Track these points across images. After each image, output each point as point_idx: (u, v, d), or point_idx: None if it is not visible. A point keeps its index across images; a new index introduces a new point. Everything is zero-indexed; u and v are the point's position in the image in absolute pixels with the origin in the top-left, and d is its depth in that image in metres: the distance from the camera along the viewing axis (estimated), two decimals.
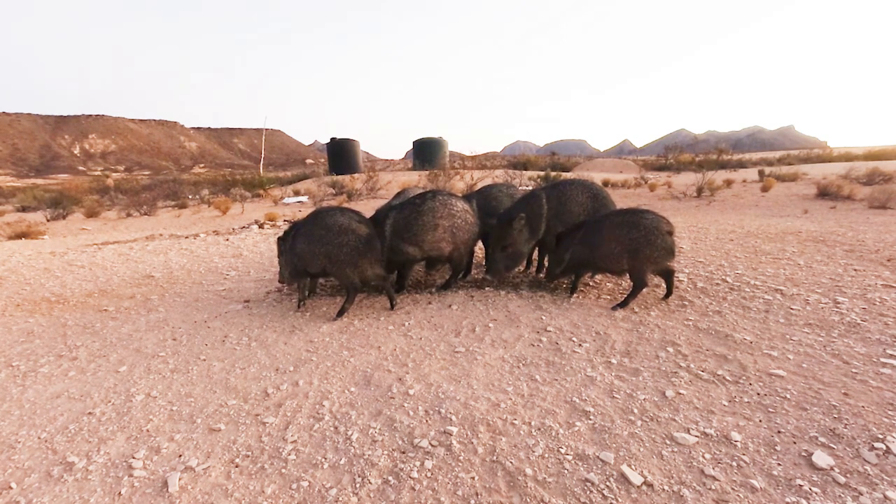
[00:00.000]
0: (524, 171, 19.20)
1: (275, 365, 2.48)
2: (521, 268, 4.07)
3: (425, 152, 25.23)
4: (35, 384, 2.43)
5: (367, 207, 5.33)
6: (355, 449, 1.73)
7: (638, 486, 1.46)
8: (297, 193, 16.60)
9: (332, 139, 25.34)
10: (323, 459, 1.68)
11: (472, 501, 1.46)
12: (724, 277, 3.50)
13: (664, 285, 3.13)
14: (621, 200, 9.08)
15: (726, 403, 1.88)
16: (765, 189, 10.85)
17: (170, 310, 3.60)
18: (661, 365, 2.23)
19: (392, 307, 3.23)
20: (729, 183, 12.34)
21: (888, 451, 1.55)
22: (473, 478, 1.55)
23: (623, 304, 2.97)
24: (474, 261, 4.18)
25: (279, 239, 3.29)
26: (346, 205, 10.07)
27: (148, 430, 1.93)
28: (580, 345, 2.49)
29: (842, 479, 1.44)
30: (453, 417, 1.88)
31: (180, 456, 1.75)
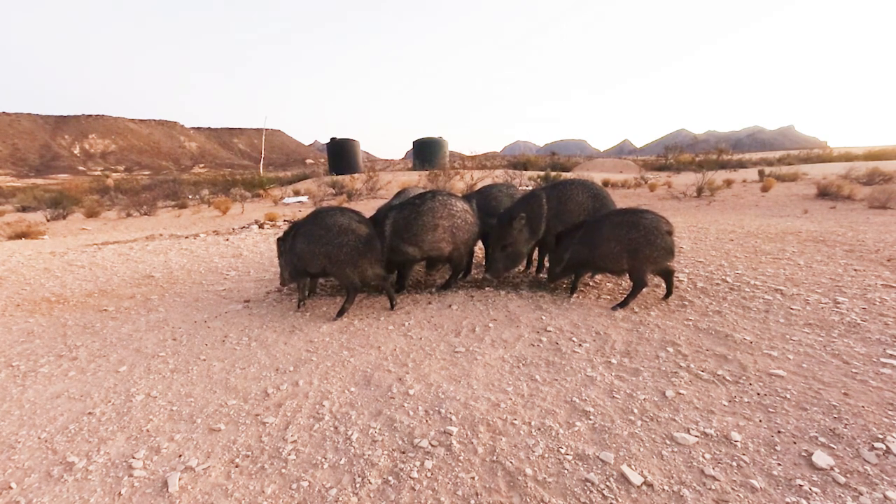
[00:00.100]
0: (524, 171, 19.21)
1: (275, 365, 2.48)
2: (521, 268, 4.07)
3: (425, 152, 25.23)
4: (35, 384, 2.43)
5: (367, 207, 5.33)
6: (355, 449, 1.73)
7: (638, 486, 1.46)
8: (297, 193, 16.60)
9: (332, 139, 25.34)
10: (323, 459, 1.68)
11: (472, 501, 1.46)
12: (724, 277, 3.50)
13: (664, 285, 3.13)
14: (621, 200, 9.09)
15: (726, 403, 1.88)
16: (765, 189, 10.85)
17: (170, 310, 3.60)
18: (661, 365, 2.23)
19: (392, 307, 3.23)
20: (729, 183, 12.35)
21: (888, 451, 1.55)
22: (473, 478, 1.55)
23: (623, 304, 2.97)
24: (474, 261, 4.18)
25: (279, 239, 3.29)
26: (346, 205, 10.07)
27: (148, 430, 1.93)
28: (580, 345, 2.49)
29: (842, 479, 1.44)
30: (453, 417, 1.88)
31: (180, 456, 1.75)
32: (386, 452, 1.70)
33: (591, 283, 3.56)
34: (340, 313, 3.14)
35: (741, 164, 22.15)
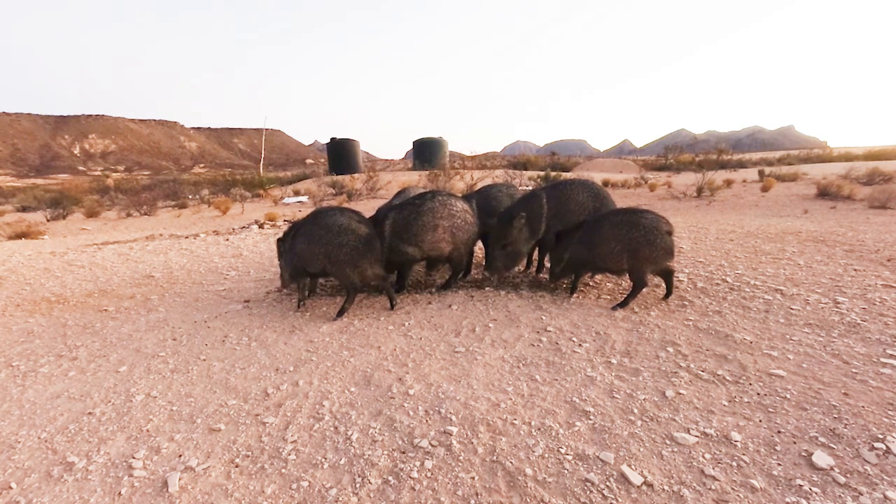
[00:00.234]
0: (524, 171, 19.22)
1: (275, 365, 2.48)
2: (521, 268, 4.07)
3: (425, 152, 25.24)
4: (35, 384, 2.43)
5: (367, 207, 5.33)
6: (355, 449, 1.73)
7: (638, 486, 1.46)
8: (297, 193, 16.61)
9: (332, 139, 25.34)
10: (323, 459, 1.68)
11: (472, 501, 1.46)
12: (724, 277, 3.50)
13: (664, 285, 3.13)
14: (621, 200, 9.08)
15: (726, 403, 1.88)
16: (765, 189, 10.86)
17: (170, 310, 3.60)
18: (661, 365, 2.23)
19: (392, 307, 3.23)
20: (729, 183, 12.35)
21: (888, 451, 1.55)
22: (473, 478, 1.55)
23: (623, 304, 2.97)
24: (474, 261, 4.18)
25: (279, 240, 3.29)
26: (346, 205, 10.07)
27: (148, 430, 1.93)
28: (580, 345, 2.49)
29: (842, 479, 1.44)
30: (453, 417, 1.88)
31: (180, 456, 1.75)
32: (386, 452, 1.70)
33: (591, 283, 3.56)
34: (340, 313, 3.14)
35: (741, 164, 22.15)
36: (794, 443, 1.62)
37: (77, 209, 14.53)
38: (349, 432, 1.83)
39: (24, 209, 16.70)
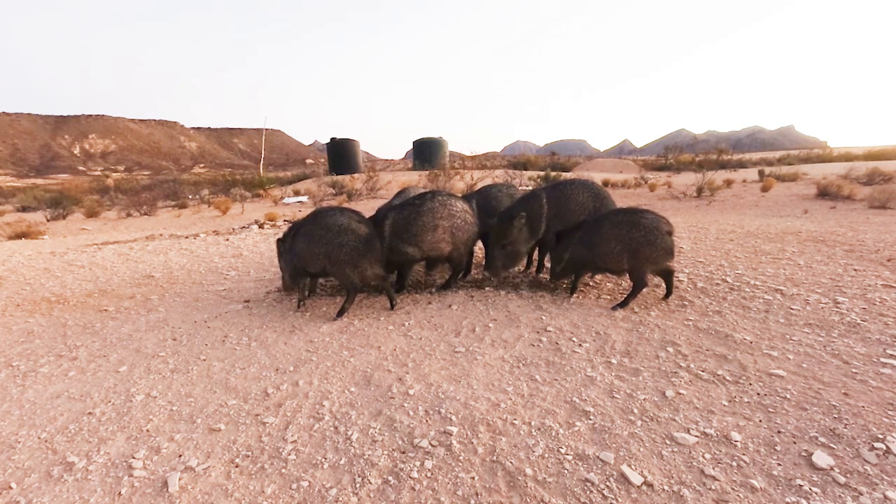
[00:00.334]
0: (524, 171, 19.22)
1: (275, 365, 2.48)
2: (521, 268, 4.07)
3: (425, 152, 25.24)
4: (35, 384, 2.43)
5: (367, 207, 5.33)
6: (355, 449, 1.73)
7: (638, 486, 1.46)
8: (297, 193, 16.61)
9: (332, 139, 25.34)
10: (323, 459, 1.68)
11: (472, 501, 1.46)
12: (724, 277, 3.50)
13: (664, 285, 3.13)
14: (621, 200, 9.08)
15: (726, 403, 1.88)
16: (765, 189, 10.86)
17: (170, 310, 3.60)
18: (661, 365, 2.23)
19: (392, 307, 3.23)
20: (729, 183, 12.35)
21: (888, 451, 1.55)
22: (473, 478, 1.55)
23: (623, 304, 2.97)
24: (474, 261, 4.18)
25: (279, 241, 3.29)
26: (346, 205, 10.07)
27: (148, 430, 1.93)
28: (580, 345, 2.49)
29: (842, 479, 1.44)
30: (453, 417, 1.88)
31: (180, 456, 1.75)
32: (386, 452, 1.70)
33: (591, 283, 3.56)
34: (340, 313, 3.14)
35: (741, 164, 22.15)
36: (794, 443, 1.62)
37: (77, 209, 14.53)
38: (349, 432, 1.83)
39: (24, 209, 16.70)
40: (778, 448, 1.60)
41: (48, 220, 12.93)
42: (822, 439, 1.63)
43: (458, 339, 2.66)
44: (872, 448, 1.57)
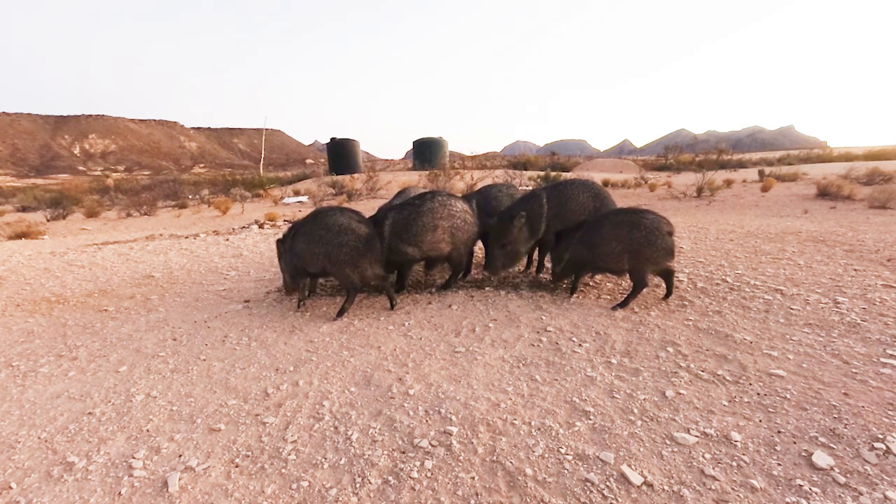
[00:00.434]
0: (524, 171, 19.22)
1: (275, 365, 2.48)
2: (521, 267, 4.07)
3: (425, 152, 25.23)
4: (35, 384, 2.43)
5: (367, 207, 5.33)
6: (355, 449, 1.73)
7: (638, 486, 1.46)
8: (297, 193, 16.61)
9: (332, 139, 25.34)
10: (323, 459, 1.68)
11: (472, 501, 1.46)
12: (724, 277, 3.50)
13: (664, 285, 3.13)
14: (621, 200, 9.08)
15: (726, 403, 1.88)
16: (765, 189, 10.86)
17: (170, 310, 3.60)
18: (661, 365, 2.23)
19: (392, 307, 3.23)
20: (729, 183, 12.35)
21: (888, 451, 1.55)
22: (473, 478, 1.55)
23: (623, 305, 2.97)
24: (474, 261, 4.18)
25: (279, 241, 3.29)
26: (346, 205, 10.07)
27: (148, 430, 1.93)
28: (580, 345, 2.49)
29: (842, 479, 1.44)
30: (453, 417, 1.88)
31: (180, 456, 1.75)
32: (386, 452, 1.70)
33: (591, 283, 3.56)
34: (340, 313, 3.14)
35: (741, 164, 22.15)
36: (794, 443, 1.62)
37: (77, 209, 14.53)
38: (349, 432, 1.83)
39: (24, 209, 16.70)
40: (778, 448, 1.60)
41: (48, 220, 12.93)
42: (822, 439, 1.63)
43: (458, 339, 2.66)
44: (872, 448, 1.57)
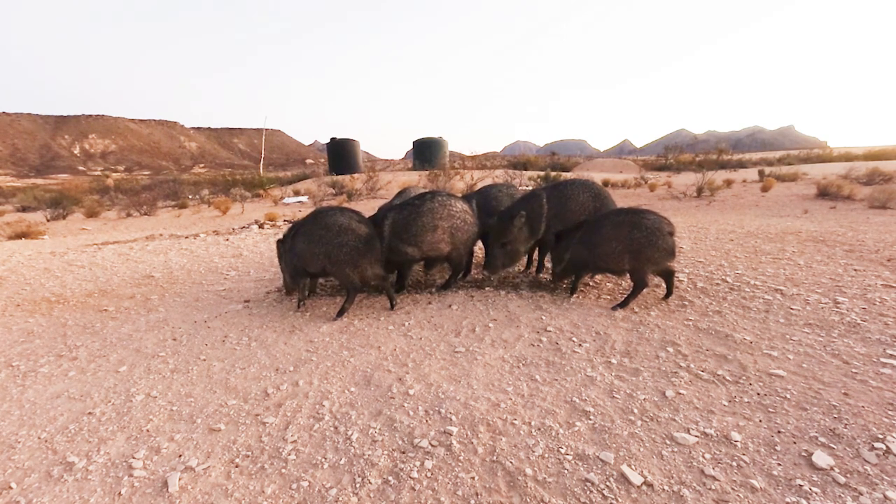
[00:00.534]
0: (524, 171, 19.22)
1: (275, 365, 2.48)
2: (521, 267, 4.07)
3: (425, 152, 25.23)
4: (35, 384, 2.43)
5: (367, 207, 5.33)
6: (355, 449, 1.73)
7: (638, 486, 1.46)
8: (297, 193, 16.61)
9: (332, 139, 25.34)
10: (323, 459, 1.68)
11: (472, 501, 1.46)
12: (724, 277, 3.50)
13: (664, 285, 3.13)
14: (621, 200, 9.08)
15: (726, 403, 1.88)
16: (765, 189, 10.86)
17: (170, 310, 3.60)
18: (661, 365, 2.23)
19: (392, 307, 3.23)
20: (729, 183, 12.35)
21: (888, 451, 1.55)
22: (473, 478, 1.55)
23: (623, 305, 2.97)
24: (474, 261, 4.18)
25: (279, 242, 3.29)
26: (346, 205, 10.08)
27: (148, 430, 1.93)
28: (580, 345, 2.49)
29: (842, 479, 1.44)
30: (453, 417, 1.88)
31: (180, 456, 1.75)
32: (386, 452, 1.70)
33: (591, 283, 3.56)
34: (340, 313, 3.14)
35: (741, 164, 22.16)
36: (794, 443, 1.62)
37: (77, 209, 14.53)
38: (349, 432, 1.83)
39: (24, 209, 16.70)
40: (778, 448, 1.60)
41: (48, 220, 12.93)
42: (822, 439, 1.63)
43: (458, 339, 2.66)
44: (872, 448, 1.57)
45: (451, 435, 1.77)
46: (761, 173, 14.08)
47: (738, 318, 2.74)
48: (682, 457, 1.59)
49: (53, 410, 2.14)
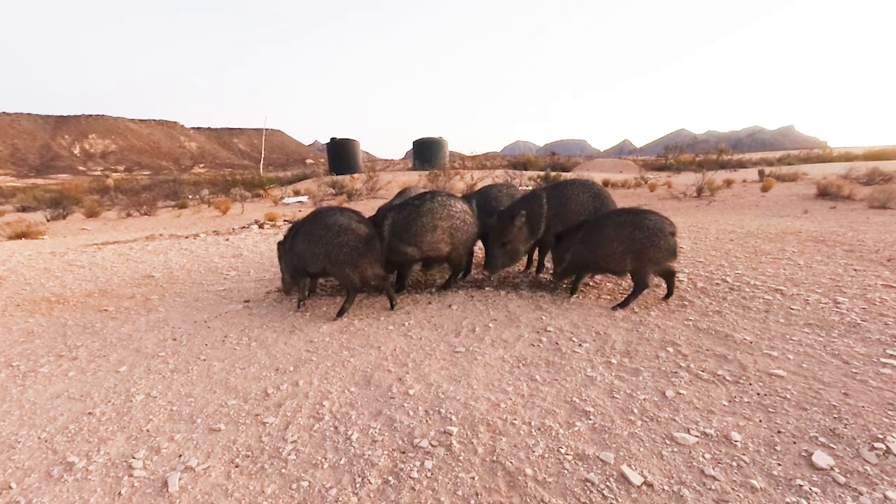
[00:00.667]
0: (524, 171, 19.22)
1: (275, 365, 2.48)
2: (521, 267, 4.07)
3: (425, 152, 25.25)
4: (35, 384, 2.43)
5: (367, 207, 5.33)
6: (355, 449, 1.73)
7: (638, 486, 1.46)
8: (297, 193, 16.62)
9: (332, 139, 25.36)
10: (323, 459, 1.68)
11: (472, 501, 1.46)
12: (724, 277, 3.50)
13: (664, 285, 3.13)
14: (621, 200, 9.08)
15: (726, 403, 1.88)
16: (765, 189, 10.86)
17: (170, 310, 3.60)
18: (661, 365, 2.23)
19: (392, 307, 3.23)
20: (729, 183, 12.35)
21: (888, 451, 1.55)
22: (473, 478, 1.55)
23: (623, 305, 2.97)
24: (474, 261, 4.18)
25: (279, 243, 3.29)
26: (346, 205, 10.07)
27: (148, 430, 1.93)
28: (580, 345, 2.49)
29: (842, 479, 1.44)
30: (453, 417, 1.88)
31: (180, 456, 1.75)
32: (386, 452, 1.70)
33: (591, 283, 3.56)
34: (340, 313, 3.14)
35: (741, 164, 22.16)
36: (794, 443, 1.62)
37: (77, 209, 14.53)
38: (349, 432, 1.83)
39: (24, 209, 16.70)
40: (778, 448, 1.60)
41: (48, 220, 12.93)
42: (822, 439, 1.63)
43: (458, 339, 2.66)
44: (872, 448, 1.57)
45: (451, 435, 1.77)
46: (761, 173, 14.09)
47: (738, 318, 2.74)
48: (682, 457, 1.59)
49: (53, 410, 2.14)
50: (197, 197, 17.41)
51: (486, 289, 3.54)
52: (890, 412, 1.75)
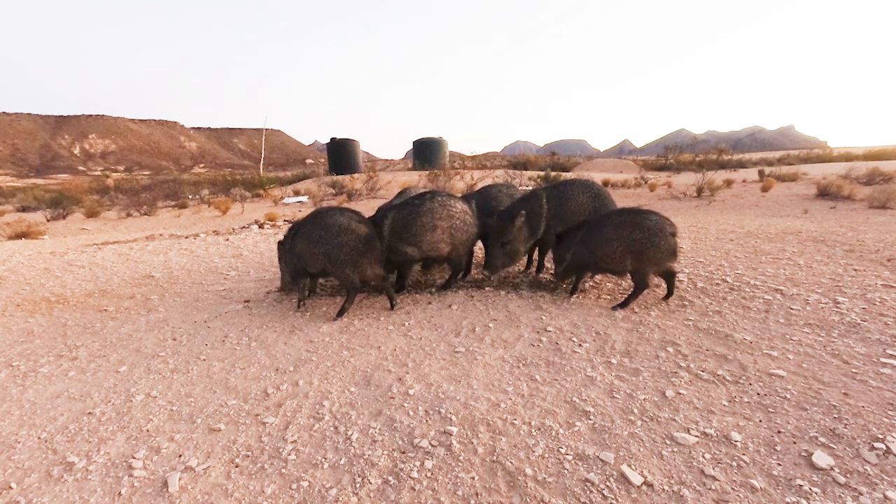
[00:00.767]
0: (524, 171, 19.23)
1: (275, 365, 2.48)
2: (521, 267, 4.07)
3: (425, 152, 25.26)
4: (35, 384, 2.43)
5: (367, 207, 5.33)
6: (355, 449, 1.73)
7: (638, 486, 1.46)
8: (297, 193, 16.62)
9: (332, 139, 25.37)
10: (323, 459, 1.68)
11: (472, 501, 1.46)
12: (724, 277, 3.50)
13: (664, 285, 3.13)
14: (621, 200, 9.08)
15: (726, 403, 1.88)
16: (765, 189, 10.86)
17: (170, 310, 3.60)
18: (661, 365, 2.23)
19: (392, 307, 3.23)
20: (729, 183, 12.35)
21: (888, 451, 1.55)
22: (473, 478, 1.55)
23: (623, 305, 2.97)
24: (474, 261, 4.18)
25: (280, 244, 3.29)
26: (345, 205, 10.08)
27: (148, 430, 1.93)
28: (580, 345, 2.49)
29: (842, 479, 1.44)
30: (453, 417, 1.88)
31: (180, 456, 1.75)
32: (386, 452, 1.70)
33: (591, 283, 3.56)
34: (340, 313, 3.14)
35: (741, 164, 22.17)
36: (794, 443, 1.62)
37: (77, 209, 14.53)
38: (349, 432, 1.83)
39: (24, 209, 16.70)
40: (778, 448, 1.60)
41: (48, 220, 12.93)
42: (822, 439, 1.63)
43: (458, 339, 2.66)
44: (872, 448, 1.57)
45: (451, 435, 1.77)
46: (761, 173, 14.09)
47: (738, 318, 2.74)
48: (682, 457, 1.59)
49: (53, 410, 2.14)
50: (197, 197, 17.42)
51: (486, 289, 3.54)
52: (890, 412, 1.75)
